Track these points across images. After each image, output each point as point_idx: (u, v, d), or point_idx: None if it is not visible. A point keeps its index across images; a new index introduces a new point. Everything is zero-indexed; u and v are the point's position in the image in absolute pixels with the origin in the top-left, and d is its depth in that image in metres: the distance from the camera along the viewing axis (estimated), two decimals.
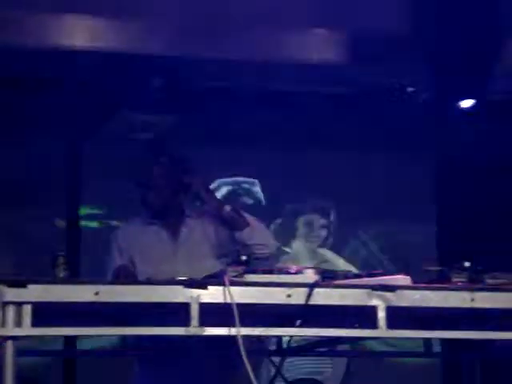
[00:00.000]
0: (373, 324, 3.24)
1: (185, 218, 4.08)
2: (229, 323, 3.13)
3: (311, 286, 3.21)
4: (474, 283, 3.40)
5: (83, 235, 6.18)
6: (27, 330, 3.04)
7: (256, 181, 4.51)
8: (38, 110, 6.01)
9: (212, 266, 3.79)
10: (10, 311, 3.03)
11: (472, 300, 3.32)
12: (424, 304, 3.30)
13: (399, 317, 3.32)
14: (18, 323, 3.04)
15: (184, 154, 4.17)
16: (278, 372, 3.65)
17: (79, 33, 5.37)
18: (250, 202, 4.19)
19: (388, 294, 3.25)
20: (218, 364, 3.91)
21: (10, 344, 3.02)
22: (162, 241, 4.03)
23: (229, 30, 5.48)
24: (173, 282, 3.31)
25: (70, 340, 5.04)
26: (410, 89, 6.06)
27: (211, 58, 5.52)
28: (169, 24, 5.43)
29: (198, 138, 6.21)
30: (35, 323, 3.06)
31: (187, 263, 3.88)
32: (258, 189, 4.86)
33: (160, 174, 4.01)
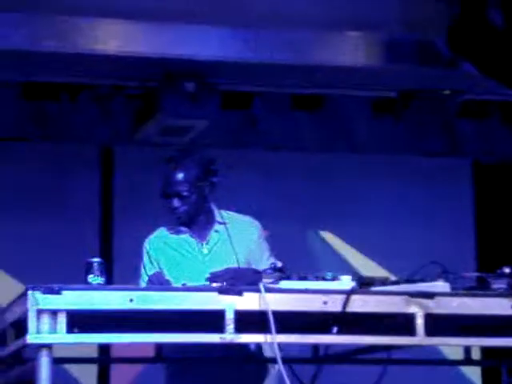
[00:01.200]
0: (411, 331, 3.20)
1: (214, 223, 3.96)
2: (264, 330, 3.10)
3: (348, 293, 3.17)
4: None
5: (116, 241, 6.20)
6: (62, 337, 3.03)
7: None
8: (71, 115, 6.03)
9: None
10: (45, 318, 3.02)
11: None
12: (463, 311, 3.26)
13: (438, 324, 3.27)
14: (53, 330, 3.02)
15: (210, 155, 4.01)
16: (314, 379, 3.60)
17: (112, 38, 5.37)
18: None
19: (426, 301, 3.21)
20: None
21: (45, 351, 3.02)
22: (190, 247, 3.95)
23: (261, 33, 5.44)
24: (208, 288, 3.30)
25: (105, 347, 5.05)
26: (446, 91, 6.01)
27: (245, 61, 5.49)
28: (200, 27, 5.41)
29: (229, 141, 6.21)
30: (70, 330, 3.05)
31: (216, 269, 3.79)
32: None
33: (184, 179, 3.87)
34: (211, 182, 3.92)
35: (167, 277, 3.84)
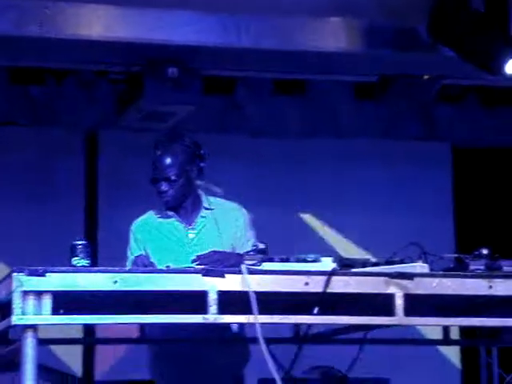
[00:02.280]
0: (390, 312, 3.25)
1: (201, 208, 4.00)
2: (247, 311, 3.15)
3: (329, 274, 3.22)
4: (492, 270, 3.40)
5: (101, 223, 6.24)
6: (47, 318, 3.06)
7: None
8: (56, 100, 6.05)
9: None
10: (30, 300, 3.05)
11: (490, 287, 3.31)
12: (441, 292, 3.30)
13: (417, 304, 3.32)
14: (38, 312, 3.06)
15: (197, 140, 4.04)
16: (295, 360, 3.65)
17: (95, 23, 5.39)
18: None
19: (405, 282, 3.25)
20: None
21: (30, 332, 3.05)
22: (177, 232, 3.99)
23: (247, 19, 5.47)
24: (191, 270, 3.34)
25: (89, 328, 5.09)
26: (425, 76, 6.05)
27: (228, 46, 5.52)
28: (184, 12, 5.43)
29: (213, 127, 6.23)
30: (55, 312, 3.08)
31: (202, 252, 3.84)
32: None
33: (172, 163, 3.91)
34: (199, 166, 3.96)
35: (153, 260, 3.88)
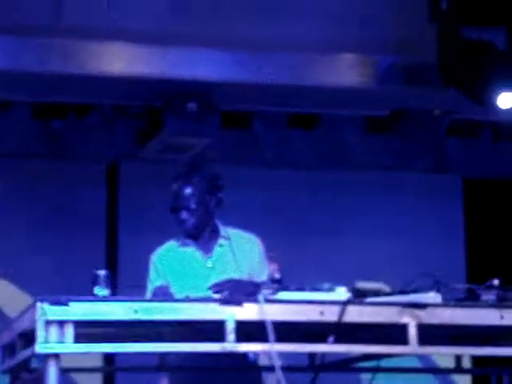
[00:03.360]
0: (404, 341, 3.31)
1: (219, 238, 4.09)
2: (263, 340, 3.21)
3: (344, 304, 3.28)
4: (504, 301, 3.45)
5: (121, 254, 6.32)
6: (69, 346, 3.12)
7: None
8: (78, 134, 6.16)
9: None
10: (53, 329, 3.11)
11: (502, 317, 3.37)
12: (454, 321, 3.36)
13: (430, 334, 3.38)
14: (61, 340, 3.12)
15: (216, 171, 4.14)
16: None
17: (117, 59, 5.50)
18: None
19: (419, 312, 3.31)
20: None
21: (53, 361, 3.12)
22: (196, 261, 4.07)
23: (263, 55, 5.58)
24: (209, 299, 3.42)
25: (109, 357, 5.16)
26: (436, 111, 6.13)
27: (245, 82, 5.63)
28: (203, 49, 5.54)
29: (229, 158, 6.33)
30: (76, 340, 3.14)
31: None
32: None
33: (192, 193, 4.01)
34: (218, 196, 4.06)
35: (173, 288, 3.96)
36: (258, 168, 6.45)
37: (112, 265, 6.12)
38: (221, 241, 4.09)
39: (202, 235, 4.08)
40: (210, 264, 4.06)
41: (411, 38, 5.41)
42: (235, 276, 3.94)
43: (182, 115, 5.81)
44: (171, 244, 4.15)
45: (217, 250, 4.08)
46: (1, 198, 6.21)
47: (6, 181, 6.21)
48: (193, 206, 4.01)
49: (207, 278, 3.98)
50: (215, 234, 4.09)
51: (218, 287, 3.74)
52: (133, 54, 5.47)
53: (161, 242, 4.18)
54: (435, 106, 6.12)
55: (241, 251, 4.07)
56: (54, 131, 6.11)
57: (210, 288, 3.72)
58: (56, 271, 6.07)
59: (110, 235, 6.38)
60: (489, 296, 3.48)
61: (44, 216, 6.25)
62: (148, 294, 3.99)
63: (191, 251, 4.10)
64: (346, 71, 5.61)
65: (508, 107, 5.31)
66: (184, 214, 4.03)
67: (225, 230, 4.11)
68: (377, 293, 3.43)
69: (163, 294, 3.83)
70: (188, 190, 4.02)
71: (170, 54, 5.45)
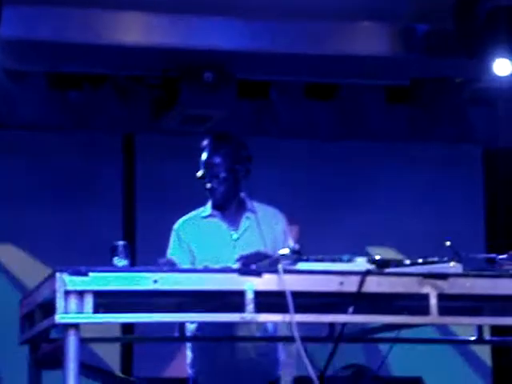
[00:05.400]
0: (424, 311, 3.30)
1: (245, 211, 4.10)
2: (283, 310, 3.21)
3: (364, 274, 3.27)
4: None
5: (139, 225, 6.33)
6: (89, 316, 3.13)
7: None
8: (94, 105, 6.15)
9: None
10: (73, 299, 3.12)
11: None
12: (475, 291, 3.34)
13: (451, 304, 3.37)
14: (80, 311, 3.12)
15: (244, 141, 4.14)
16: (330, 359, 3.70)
17: (133, 29, 5.48)
18: None
19: (439, 282, 3.29)
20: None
21: (72, 331, 3.13)
22: (221, 231, 4.08)
23: (280, 23, 5.54)
24: (228, 270, 3.41)
25: (128, 327, 5.18)
26: (457, 79, 6.08)
27: (261, 51, 5.59)
28: (218, 18, 5.51)
29: (246, 129, 6.31)
30: (96, 310, 3.14)
31: (244, 252, 3.92)
32: None
33: (222, 162, 4.00)
34: (246, 167, 4.07)
35: (197, 258, 3.96)
36: (274, 138, 6.42)
37: (129, 237, 6.12)
38: (247, 214, 4.11)
39: (229, 207, 4.09)
40: (235, 236, 4.07)
41: (432, 5, 5.36)
42: (260, 248, 3.94)
43: (198, 86, 5.79)
44: (195, 214, 4.15)
45: (243, 222, 4.10)
46: (16, 170, 6.22)
47: (21, 152, 6.22)
48: (222, 174, 4.01)
49: (232, 250, 4.01)
50: (242, 206, 4.11)
51: (244, 259, 3.74)
52: (149, 24, 5.45)
53: (178, 214, 4.18)
54: (456, 75, 6.07)
55: (266, 225, 4.08)
56: (70, 102, 6.10)
57: (237, 260, 3.71)
58: (73, 242, 6.09)
59: (126, 207, 6.39)
60: (509, 266, 3.46)
61: (59, 188, 6.25)
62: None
63: (216, 222, 4.11)
64: (365, 40, 5.58)
65: None
66: (213, 183, 4.03)
67: (251, 203, 4.12)
68: (397, 263, 3.41)
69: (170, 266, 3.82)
70: (218, 159, 4.03)
71: (186, 23, 5.43)
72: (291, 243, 4.03)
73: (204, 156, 4.07)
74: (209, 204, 4.13)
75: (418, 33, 5.59)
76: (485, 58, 5.20)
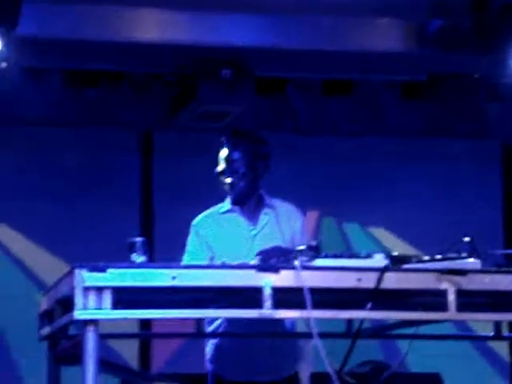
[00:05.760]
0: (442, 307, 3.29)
1: (264, 207, 4.11)
2: (300, 306, 3.21)
3: (382, 270, 3.27)
4: None
5: (156, 221, 6.35)
6: (108, 312, 3.14)
7: None
8: (111, 102, 6.17)
9: None
10: (91, 295, 3.13)
11: None
12: (494, 287, 3.33)
13: (469, 300, 3.36)
14: (99, 307, 3.13)
15: (263, 137, 4.14)
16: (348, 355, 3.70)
17: (150, 26, 5.49)
18: None
19: (458, 278, 3.29)
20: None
21: (91, 327, 3.14)
22: (239, 227, 4.09)
23: (297, 20, 5.54)
24: (246, 266, 3.41)
25: (146, 324, 5.19)
26: (475, 75, 6.06)
27: (279, 48, 5.59)
28: (236, 15, 5.51)
29: (264, 125, 6.31)
30: (114, 307, 3.15)
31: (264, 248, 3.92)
32: None
33: (242, 157, 4.01)
34: (266, 163, 4.08)
35: (215, 254, 3.97)
36: (291, 134, 6.43)
37: (147, 233, 6.15)
38: (266, 209, 4.12)
39: (248, 203, 4.10)
40: (254, 231, 4.08)
41: (448, 1, 5.34)
42: (279, 244, 3.94)
43: (215, 82, 5.79)
44: (214, 210, 4.16)
45: (262, 218, 4.11)
46: (34, 166, 6.25)
47: (39, 149, 6.25)
48: (242, 169, 4.03)
49: (251, 245, 4.01)
50: (260, 203, 4.12)
51: (265, 254, 3.74)
52: (166, 21, 5.46)
53: (195, 210, 4.18)
54: (474, 71, 6.05)
55: (284, 221, 4.10)
56: (87, 99, 6.13)
57: (257, 255, 3.72)
58: (90, 239, 6.12)
59: (144, 204, 6.41)
60: None
61: (79, 184, 6.29)
62: (184, 259, 4.01)
63: (235, 217, 4.12)
64: (382, 36, 5.57)
65: None
66: (233, 178, 4.04)
67: (270, 199, 4.13)
68: (415, 259, 3.40)
69: None
70: (237, 155, 4.04)
71: (203, 20, 5.44)
72: (309, 240, 4.03)
73: (223, 152, 4.08)
74: (228, 200, 4.14)
75: (434, 28, 5.58)
76: (501, 53, 5.18)
